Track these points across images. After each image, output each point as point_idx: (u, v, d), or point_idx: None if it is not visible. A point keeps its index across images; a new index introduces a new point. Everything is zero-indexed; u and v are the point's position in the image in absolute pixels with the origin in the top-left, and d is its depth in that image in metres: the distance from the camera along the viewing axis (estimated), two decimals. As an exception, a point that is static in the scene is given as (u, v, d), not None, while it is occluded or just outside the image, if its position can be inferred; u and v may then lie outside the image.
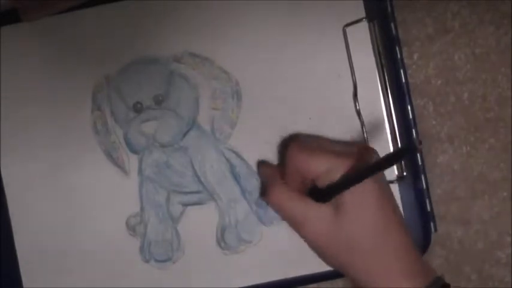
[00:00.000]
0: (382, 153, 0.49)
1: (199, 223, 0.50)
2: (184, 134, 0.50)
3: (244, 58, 0.50)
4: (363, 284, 0.44)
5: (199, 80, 0.50)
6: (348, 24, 0.49)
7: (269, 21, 0.50)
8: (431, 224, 0.50)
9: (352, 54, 0.49)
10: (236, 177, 0.50)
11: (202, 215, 0.50)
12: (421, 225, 0.50)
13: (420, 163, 0.50)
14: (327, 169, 0.43)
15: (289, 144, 0.46)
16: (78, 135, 0.50)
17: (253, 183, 0.50)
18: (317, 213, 0.44)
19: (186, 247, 0.50)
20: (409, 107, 0.50)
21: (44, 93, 0.50)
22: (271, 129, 0.50)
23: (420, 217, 0.50)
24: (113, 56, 0.50)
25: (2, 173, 0.50)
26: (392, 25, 0.50)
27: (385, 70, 0.49)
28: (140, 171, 0.50)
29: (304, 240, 0.45)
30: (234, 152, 0.50)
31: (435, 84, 0.53)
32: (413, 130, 0.50)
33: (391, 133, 0.49)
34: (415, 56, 0.53)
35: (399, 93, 0.50)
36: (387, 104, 0.49)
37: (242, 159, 0.50)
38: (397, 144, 0.49)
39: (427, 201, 0.50)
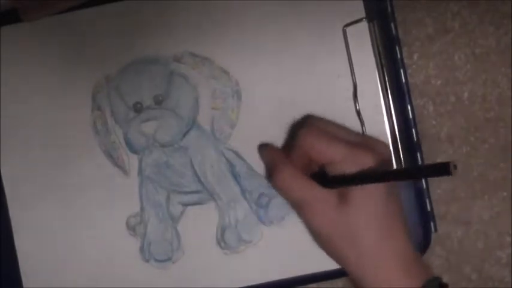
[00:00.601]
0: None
1: (199, 223, 0.50)
2: (184, 134, 0.50)
3: (244, 58, 0.50)
4: (359, 277, 0.44)
5: (199, 79, 0.50)
6: (347, 25, 0.49)
7: (269, 21, 0.50)
8: (431, 224, 0.50)
9: (352, 55, 0.49)
10: (236, 177, 0.50)
11: (202, 215, 0.50)
12: (421, 225, 0.50)
13: (420, 163, 0.50)
14: (343, 158, 0.43)
15: (306, 126, 0.45)
16: (78, 135, 0.50)
17: (253, 183, 0.50)
18: (324, 197, 0.44)
19: (186, 247, 0.50)
20: (409, 107, 0.50)
21: (43, 93, 0.50)
22: (271, 129, 0.50)
23: (420, 217, 0.50)
24: (112, 56, 0.50)
25: (2, 173, 0.50)
26: (392, 25, 0.49)
27: (385, 70, 0.49)
28: (140, 171, 0.50)
29: (307, 225, 0.45)
30: (234, 151, 0.50)
31: (435, 84, 0.53)
32: (413, 130, 0.50)
33: (391, 133, 0.49)
34: (415, 56, 0.53)
35: (399, 93, 0.50)
36: (387, 104, 0.49)
37: (242, 159, 0.50)
38: (397, 144, 0.49)
39: (427, 201, 0.50)
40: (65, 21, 0.50)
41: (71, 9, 0.50)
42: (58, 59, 0.50)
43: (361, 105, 0.49)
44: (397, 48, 0.50)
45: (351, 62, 0.49)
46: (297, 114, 0.49)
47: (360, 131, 0.49)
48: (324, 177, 0.44)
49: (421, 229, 0.50)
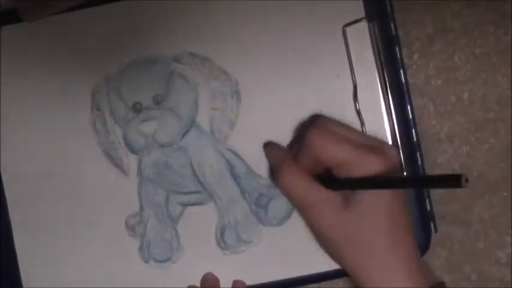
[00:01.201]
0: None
1: (198, 223, 0.50)
2: (184, 134, 0.50)
3: (244, 58, 0.50)
4: (363, 280, 0.43)
5: (199, 80, 0.50)
6: (347, 25, 0.49)
7: (269, 21, 0.50)
8: (432, 225, 0.50)
9: (352, 55, 0.49)
10: (235, 178, 0.50)
11: (201, 215, 0.50)
12: (421, 226, 0.50)
13: (420, 163, 0.50)
14: (351, 161, 0.42)
15: (314, 127, 0.45)
16: (78, 135, 0.50)
17: (253, 184, 0.50)
18: (328, 199, 0.44)
19: (186, 247, 0.50)
20: (409, 107, 0.50)
21: (43, 92, 0.50)
22: (270, 129, 0.50)
23: (420, 217, 0.50)
24: (112, 56, 0.50)
25: (2, 173, 0.50)
26: (392, 25, 0.49)
27: (385, 70, 0.49)
28: (139, 171, 0.50)
29: (309, 226, 0.45)
30: (234, 152, 0.50)
31: (435, 84, 0.53)
32: (413, 130, 0.50)
33: (391, 133, 0.49)
34: (415, 56, 0.53)
35: (399, 93, 0.50)
36: (387, 104, 0.49)
37: (241, 159, 0.50)
38: (397, 144, 0.49)
39: (427, 201, 0.50)
40: (65, 21, 0.50)
41: (71, 9, 0.50)
42: (58, 59, 0.50)
43: (361, 105, 0.49)
44: (397, 48, 0.49)
45: (351, 62, 0.49)
46: (297, 114, 0.49)
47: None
48: (329, 179, 0.44)
49: (421, 229, 0.50)
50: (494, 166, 0.53)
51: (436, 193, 0.53)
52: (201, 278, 0.50)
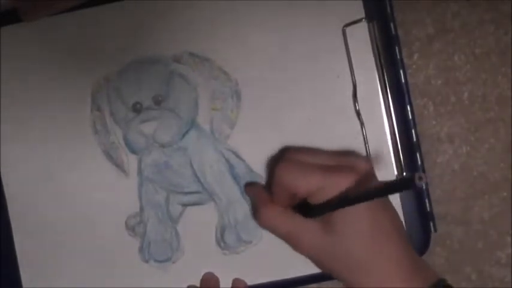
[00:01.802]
0: (381, 154, 0.50)
1: (198, 223, 0.50)
2: (184, 135, 0.50)
3: (244, 58, 0.50)
4: None
5: (199, 80, 0.50)
6: (347, 25, 0.49)
7: (269, 21, 0.50)
8: (431, 224, 0.50)
9: (351, 55, 0.49)
10: (235, 178, 0.50)
11: (201, 215, 0.50)
12: (421, 226, 0.50)
13: (420, 163, 0.50)
14: (319, 187, 0.43)
15: (280, 161, 0.45)
16: (78, 135, 0.50)
17: (253, 184, 0.50)
18: (307, 227, 0.45)
19: (186, 247, 0.50)
20: (408, 107, 0.50)
21: (43, 93, 0.50)
22: (270, 129, 0.50)
23: (420, 217, 0.50)
24: (112, 56, 0.50)
25: (2, 173, 0.50)
26: (391, 25, 0.49)
27: (384, 70, 0.49)
28: (140, 172, 0.50)
29: (300, 253, 0.46)
30: (234, 152, 0.50)
31: (435, 84, 0.53)
32: (413, 130, 0.50)
33: (390, 133, 0.49)
34: (415, 56, 0.53)
35: (399, 93, 0.50)
36: (387, 104, 0.49)
37: (241, 159, 0.50)
38: (397, 144, 0.49)
39: (427, 201, 0.50)
40: (64, 21, 0.50)
41: (71, 9, 0.50)
42: (58, 59, 0.50)
43: (360, 105, 0.49)
44: (396, 48, 0.49)
45: (351, 62, 0.49)
46: (297, 114, 0.49)
47: (360, 131, 0.49)
48: (307, 208, 0.45)
49: (421, 229, 0.50)
50: (494, 166, 0.53)
51: (436, 193, 0.53)
52: (201, 278, 0.50)
